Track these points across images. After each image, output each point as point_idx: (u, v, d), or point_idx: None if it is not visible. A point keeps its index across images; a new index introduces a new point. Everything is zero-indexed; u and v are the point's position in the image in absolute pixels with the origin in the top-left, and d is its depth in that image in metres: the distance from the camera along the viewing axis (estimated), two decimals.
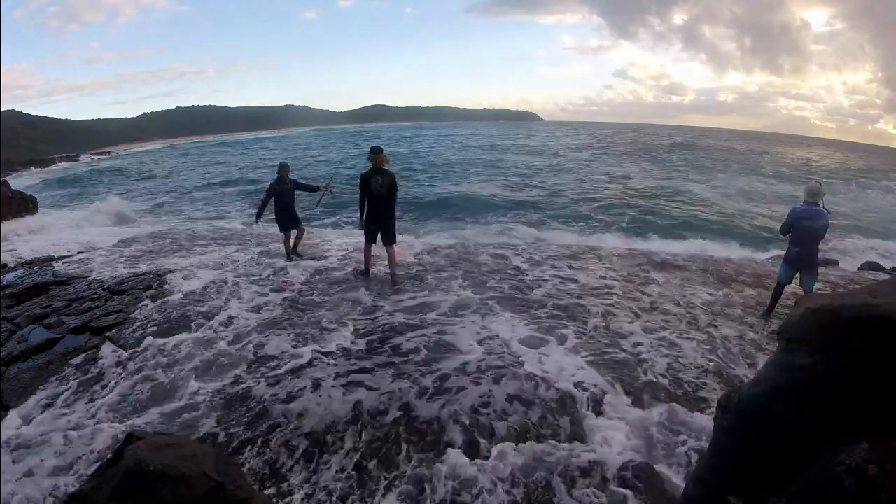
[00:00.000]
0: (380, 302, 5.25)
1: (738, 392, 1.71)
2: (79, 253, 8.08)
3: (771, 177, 25.95)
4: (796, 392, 1.47)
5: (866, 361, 1.34)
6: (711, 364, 3.93)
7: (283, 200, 6.73)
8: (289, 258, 6.96)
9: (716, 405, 1.85)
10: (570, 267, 6.52)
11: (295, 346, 4.27)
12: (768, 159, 36.80)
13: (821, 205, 4.77)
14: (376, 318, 4.83)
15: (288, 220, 6.88)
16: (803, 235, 4.76)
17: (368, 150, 5.76)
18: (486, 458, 2.86)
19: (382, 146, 5.74)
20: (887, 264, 8.87)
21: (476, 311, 4.95)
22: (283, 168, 6.88)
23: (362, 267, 6.17)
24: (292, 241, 7.10)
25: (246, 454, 2.97)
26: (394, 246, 5.90)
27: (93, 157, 60.31)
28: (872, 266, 8.36)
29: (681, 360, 3.98)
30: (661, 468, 2.76)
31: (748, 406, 1.62)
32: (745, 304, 5.36)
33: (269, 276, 6.30)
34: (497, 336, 4.37)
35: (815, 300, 1.55)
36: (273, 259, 7.12)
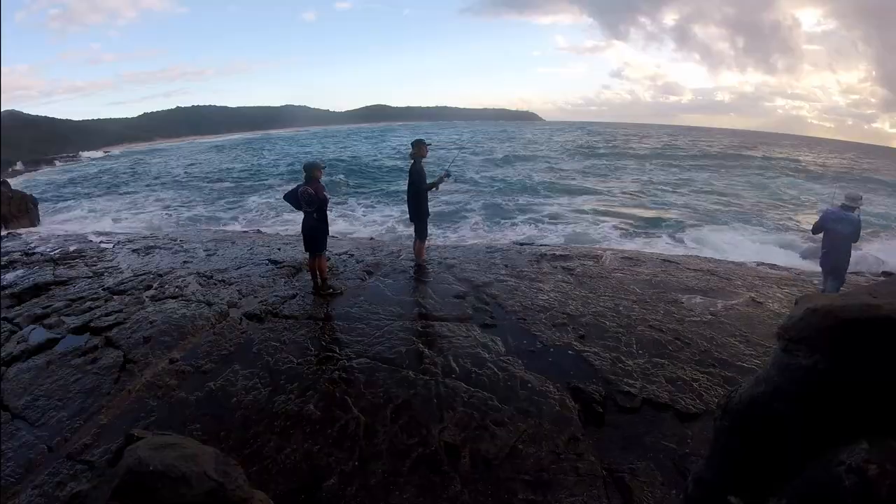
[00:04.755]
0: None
1: (738, 392, 1.71)
2: None
3: None
4: (796, 392, 1.47)
5: (866, 361, 1.34)
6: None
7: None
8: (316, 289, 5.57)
9: (716, 406, 1.85)
10: None
11: None
12: None
13: (856, 211, 4.77)
14: None
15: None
16: (832, 238, 4.77)
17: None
18: None
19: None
20: None
21: None
22: (315, 168, 5.35)
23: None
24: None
25: None
26: (417, 241, 6.22)
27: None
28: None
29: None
30: None
31: (748, 406, 1.62)
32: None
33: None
34: None
35: (816, 300, 1.54)
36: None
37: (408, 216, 6.33)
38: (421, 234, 6.20)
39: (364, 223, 14.45)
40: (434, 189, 6.00)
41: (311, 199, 5.24)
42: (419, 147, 5.89)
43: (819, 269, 5.29)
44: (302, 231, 5.48)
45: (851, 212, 4.74)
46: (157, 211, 18.04)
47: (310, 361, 4.00)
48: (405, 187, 6.25)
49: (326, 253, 5.79)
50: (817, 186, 23.29)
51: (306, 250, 5.60)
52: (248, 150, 51.51)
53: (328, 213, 5.53)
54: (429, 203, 6.10)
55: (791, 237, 12.28)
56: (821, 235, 5.16)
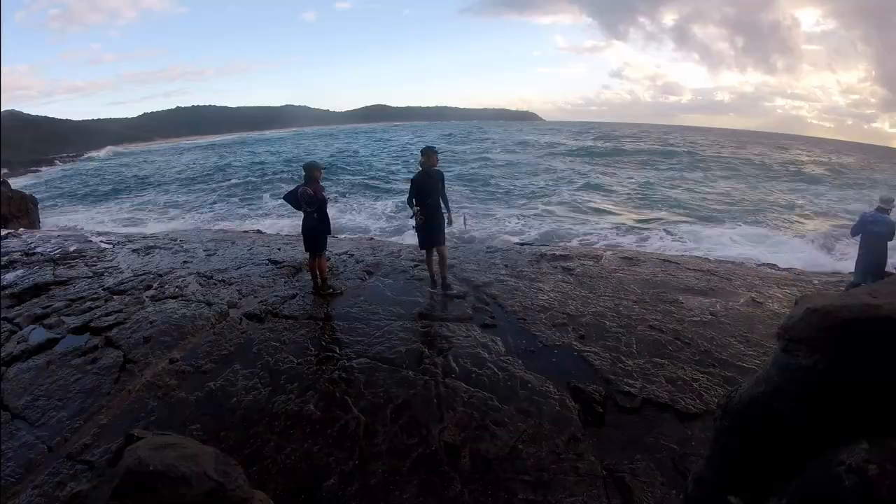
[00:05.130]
0: None
1: (738, 392, 1.71)
2: None
3: None
4: (796, 392, 1.47)
5: (867, 361, 1.34)
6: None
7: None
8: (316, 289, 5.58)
9: (716, 406, 1.86)
10: None
11: None
12: None
13: (890, 213, 5.04)
14: None
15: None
16: (869, 239, 5.02)
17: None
18: None
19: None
20: None
21: None
22: (314, 168, 5.44)
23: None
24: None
25: None
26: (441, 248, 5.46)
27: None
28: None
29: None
30: None
31: (748, 406, 1.62)
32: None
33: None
34: None
35: (816, 300, 1.54)
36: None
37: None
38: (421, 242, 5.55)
39: (363, 223, 14.45)
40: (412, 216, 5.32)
41: (310, 199, 5.26)
42: (428, 156, 5.34)
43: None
44: (302, 231, 5.48)
45: (887, 214, 5.03)
46: (171, 211, 17.92)
47: (310, 361, 4.00)
48: (406, 186, 6.15)
49: (326, 253, 5.79)
50: (820, 188, 23.34)
51: (306, 250, 5.60)
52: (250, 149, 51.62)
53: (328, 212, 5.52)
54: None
55: (790, 237, 12.29)
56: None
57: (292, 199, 5.41)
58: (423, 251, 5.69)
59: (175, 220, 16.00)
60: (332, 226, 5.65)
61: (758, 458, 1.57)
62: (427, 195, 5.33)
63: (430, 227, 5.36)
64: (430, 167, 5.36)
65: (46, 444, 3.17)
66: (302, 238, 5.60)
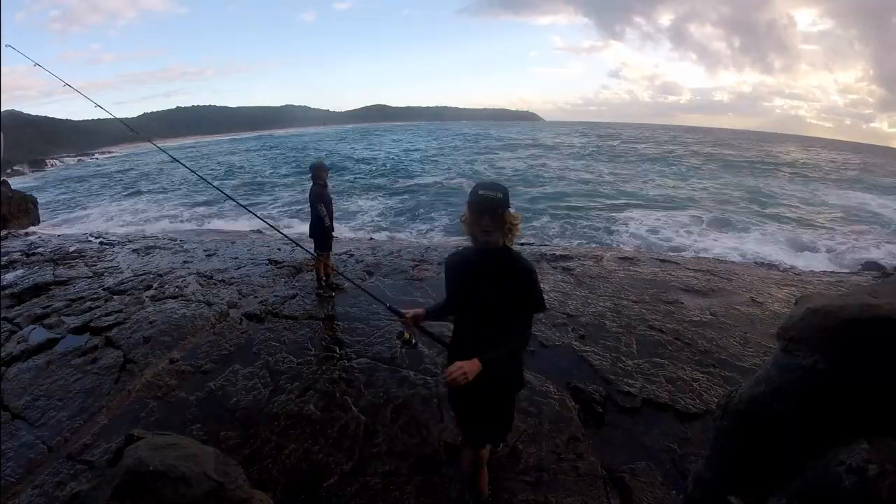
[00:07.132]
0: None
1: (738, 392, 1.71)
2: None
3: None
4: (796, 392, 1.47)
5: (867, 361, 1.34)
6: None
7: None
8: (321, 287, 5.69)
9: (716, 406, 1.85)
10: None
11: None
12: None
13: None
14: None
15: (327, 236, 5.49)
16: None
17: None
18: None
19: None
20: None
21: None
22: (320, 169, 5.44)
23: None
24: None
25: None
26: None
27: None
28: (872, 266, 8.36)
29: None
30: None
31: (748, 406, 1.62)
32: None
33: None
34: None
35: (816, 300, 1.54)
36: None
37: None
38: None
39: (364, 223, 14.45)
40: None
41: (311, 198, 5.36)
42: (481, 210, 1.74)
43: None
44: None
45: None
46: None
47: (310, 361, 4.00)
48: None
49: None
50: (824, 187, 23.39)
51: (320, 248, 5.60)
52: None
53: (322, 212, 5.43)
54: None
55: (787, 237, 12.30)
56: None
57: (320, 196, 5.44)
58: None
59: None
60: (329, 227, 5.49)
61: (758, 458, 1.57)
62: (469, 309, 1.94)
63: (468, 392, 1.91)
64: (486, 236, 1.79)
65: (46, 444, 3.17)
66: (315, 235, 5.57)
